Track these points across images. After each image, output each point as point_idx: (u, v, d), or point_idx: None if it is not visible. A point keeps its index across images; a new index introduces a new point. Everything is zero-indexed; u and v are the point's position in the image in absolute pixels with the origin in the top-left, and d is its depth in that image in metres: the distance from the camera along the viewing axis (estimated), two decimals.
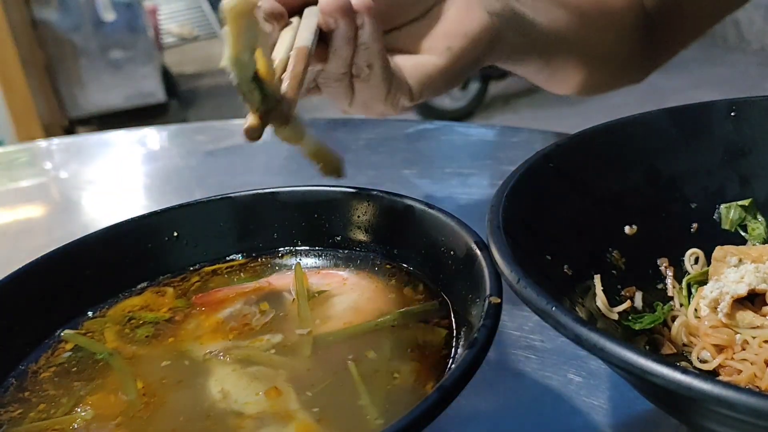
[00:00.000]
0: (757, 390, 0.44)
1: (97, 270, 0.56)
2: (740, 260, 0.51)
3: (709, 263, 0.53)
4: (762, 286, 0.48)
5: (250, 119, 0.44)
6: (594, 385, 0.53)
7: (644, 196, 0.55)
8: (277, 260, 0.58)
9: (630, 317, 0.51)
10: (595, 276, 0.51)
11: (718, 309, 0.48)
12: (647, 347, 0.50)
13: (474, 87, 4.54)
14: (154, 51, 4.99)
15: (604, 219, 0.54)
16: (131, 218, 0.59)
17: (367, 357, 0.46)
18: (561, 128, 0.84)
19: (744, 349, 0.46)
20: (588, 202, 0.54)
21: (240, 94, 0.44)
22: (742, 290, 0.47)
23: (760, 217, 0.55)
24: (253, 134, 0.43)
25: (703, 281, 0.53)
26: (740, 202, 0.55)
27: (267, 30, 0.57)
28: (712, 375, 0.46)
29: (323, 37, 0.57)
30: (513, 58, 0.71)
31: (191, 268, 0.59)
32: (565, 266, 0.50)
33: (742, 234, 0.55)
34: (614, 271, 0.53)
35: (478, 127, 1.23)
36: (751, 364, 0.45)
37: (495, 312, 0.41)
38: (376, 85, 0.60)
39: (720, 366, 0.47)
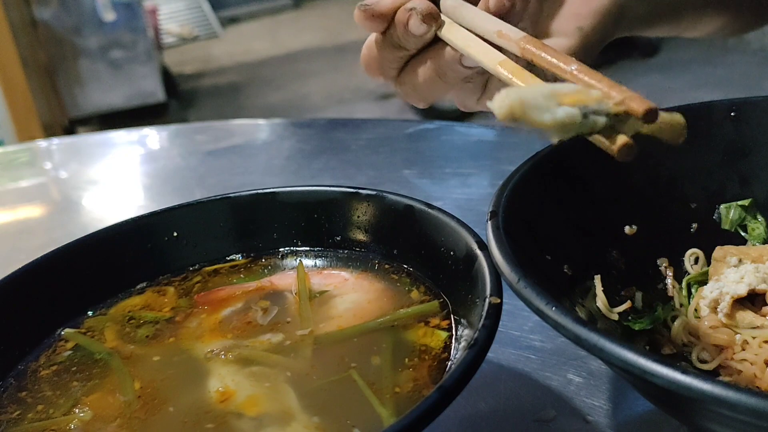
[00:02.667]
0: (757, 390, 0.44)
1: (97, 270, 0.56)
2: (740, 260, 0.51)
3: (709, 263, 0.53)
4: (762, 286, 0.48)
5: (620, 140, 0.39)
6: (594, 386, 0.53)
7: (644, 196, 0.55)
8: (278, 260, 0.58)
9: (630, 317, 0.51)
10: (596, 276, 0.51)
11: (718, 309, 0.48)
12: (647, 347, 0.50)
13: None
14: (154, 51, 4.99)
15: (604, 219, 0.54)
16: (131, 218, 0.59)
17: (368, 357, 0.46)
18: None
19: (744, 349, 0.46)
20: (588, 202, 0.54)
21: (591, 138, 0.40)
22: (742, 290, 0.47)
23: (760, 217, 0.55)
24: (629, 149, 0.39)
25: (703, 281, 0.53)
26: (740, 202, 0.55)
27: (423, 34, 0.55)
28: (712, 375, 0.46)
29: None
30: (640, 26, 0.69)
31: (191, 268, 0.59)
32: (565, 266, 0.49)
33: (742, 234, 0.55)
34: (614, 271, 0.53)
35: (478, 127, 1.23)
36: (751, 364, 0.45)
37: (495, 312, 0.41)
38: None
39: (720, 366, 0.47)
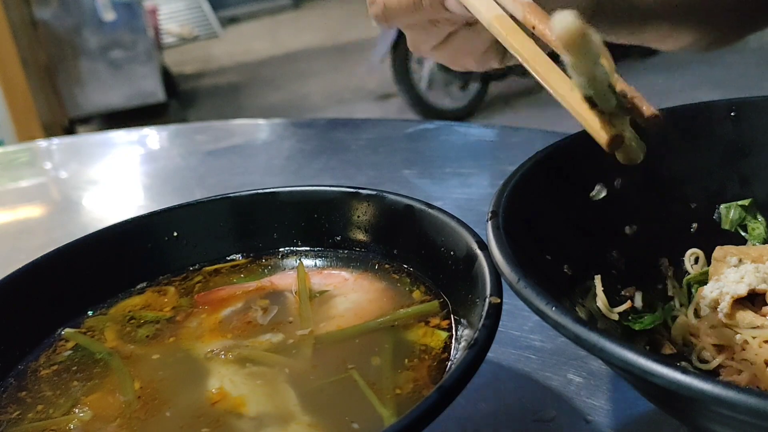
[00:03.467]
0: (757, 390, 0.44)
1: (97, 270, 0.56)
2: (740, 260, 0.51)
3: (709, 263, 0.53)
4: (762, 286, 0.48)
5: (610, 130, 0.38)
6: (594, 386, 0.53)
7: (644, 196, 0.55)
8: (278, 260, 0.58)
9: (630, 317, 0.51)
10: (596, 276, 0.51)
11: (718, 309, 0.48)
12: (647, 347, 0.50)
13: (474, 87, 4.54)
14: (154, 51, 4.99)
15: (604, 219, 0.54)
16: (131, 218, 0.59)
17: (368, 357, 0.46)
18: (561, 128, 0.84)
19: (744, 349, 0.46)
20: (588, 202, 0.54)
21: (594, 108, 0.38)
22: (742, 290, 0.47)
23: (760, 217, 0.55)
24: (619, 143, 0.38)
25: (703, 281, 0.53)
26: (740, 202, 0.55)
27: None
28: (712, 375, 0.46)
29: None
30: (615, 29, 0.69)
31: (191, 268, 0.59)
32: (565, 266, 0.49)
33: (742, 234, 0.55)
34: (614, 271, 0.53)
35: (478, 127, 1.23)
36: (751, 364, 0.45)
37: (495, 312, 0.41)
38: (486, 37, 0.58)
39: (720, 366, 0.47)
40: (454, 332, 0.47)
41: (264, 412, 0.43)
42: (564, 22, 0.34)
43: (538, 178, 0.51)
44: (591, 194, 0.53)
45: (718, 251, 0.52)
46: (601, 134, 0.38)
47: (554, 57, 0.44)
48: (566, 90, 0.40)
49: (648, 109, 0.39)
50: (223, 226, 0.60)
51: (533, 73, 0.44)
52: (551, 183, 0.52)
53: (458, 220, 0.50)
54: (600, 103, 0.38)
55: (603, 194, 0.54)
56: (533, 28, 0.46)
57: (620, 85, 0.39)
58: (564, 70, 0.39)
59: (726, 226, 0.56)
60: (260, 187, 0.60)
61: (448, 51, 0.62)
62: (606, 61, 0.37)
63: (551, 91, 0.42)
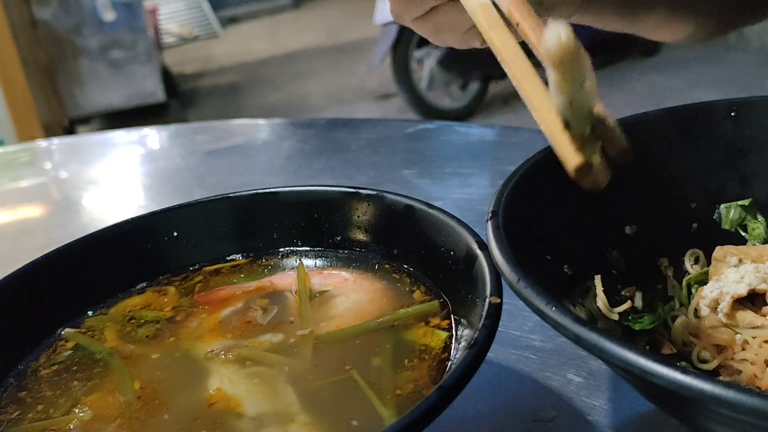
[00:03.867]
0: (757, 390, 0.44)
1: (97, 270, 0.56)
2: (740, 260, 0.51)
3: (709, 263, 0.53)
4: (762, 286, 0.48)
5: (579, 157, 0.36)
6: (594, 386, 0.53)
7: (644, 196, 0.55)
8: (278, 260, 0.58)
9: (630, 317, 0.51)
10: (596, 276, 0.51)
11: (718, 309, 0.48)
12: (647, 347, 0.50)
13: (474, 87, 4.54)
14: (154, 51, 4.99)
15: (604, 219, 0.54)
16: (131, 218, 0.59)
17: (368, 357, 0.46)
18: None
19: (744, 349, 0.46)
20: (588, 202, 0.54)
21: (568, 130, 0.37)
22: (742, 290, 0.47)
23: (760, 217, 0.55)
24: (588, 171, 0.36)
25: (703, 281, 0.53)
26: (740, 202, 0.55)
27: None
28: (712, 375, 0.46)
29: None
30: (608, 16, 0.69)
31: (191, 268, 0.59)
32: (565, 266, 0.49)
33: (742, 234, 0.55)
34: (614, 271, 0.53)
35: (478, 127, 1.23)
36: (751, 364, 0.45)
37: (495, 312, 0.41)
38: (470, 17, 0.58)
39: (720, 366, 0.47)
40: (454, 332, 0.47)
41: (264, 412, 0.43)
42: (558, 37, 0.33)
43: (538, 178, 0.51)
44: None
45: (718, 251, 0.52)
46: (570, 159, 0.37)
47: (525, 47, 0.43)
48: (541, 102, 0.38)
49: (621, 141, 0.37)
50: (223, 226, 0.60)
51: (510, 76, 0.42)
52: (551, 183, 0.52)
53: (458, 220, 0.50)
54: (575, 126, 0.37)
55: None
56: (517, 25, 0.45)
57: (599, 108, 0.37)
58: (546, 82, 0.38)
59: (726, 226, 0.56)
60: (260, 187, 0.60)
61: (430, 24, 0.62)
62: (590, 84, 0.36)
63: (525, 100, 0.40)
